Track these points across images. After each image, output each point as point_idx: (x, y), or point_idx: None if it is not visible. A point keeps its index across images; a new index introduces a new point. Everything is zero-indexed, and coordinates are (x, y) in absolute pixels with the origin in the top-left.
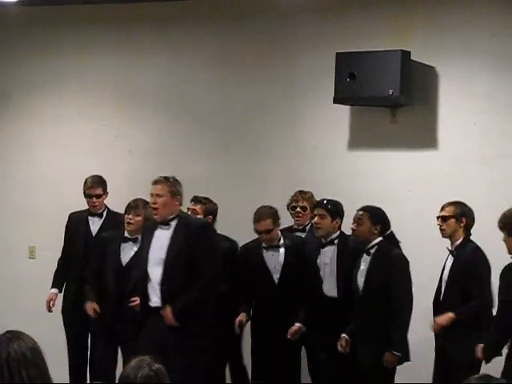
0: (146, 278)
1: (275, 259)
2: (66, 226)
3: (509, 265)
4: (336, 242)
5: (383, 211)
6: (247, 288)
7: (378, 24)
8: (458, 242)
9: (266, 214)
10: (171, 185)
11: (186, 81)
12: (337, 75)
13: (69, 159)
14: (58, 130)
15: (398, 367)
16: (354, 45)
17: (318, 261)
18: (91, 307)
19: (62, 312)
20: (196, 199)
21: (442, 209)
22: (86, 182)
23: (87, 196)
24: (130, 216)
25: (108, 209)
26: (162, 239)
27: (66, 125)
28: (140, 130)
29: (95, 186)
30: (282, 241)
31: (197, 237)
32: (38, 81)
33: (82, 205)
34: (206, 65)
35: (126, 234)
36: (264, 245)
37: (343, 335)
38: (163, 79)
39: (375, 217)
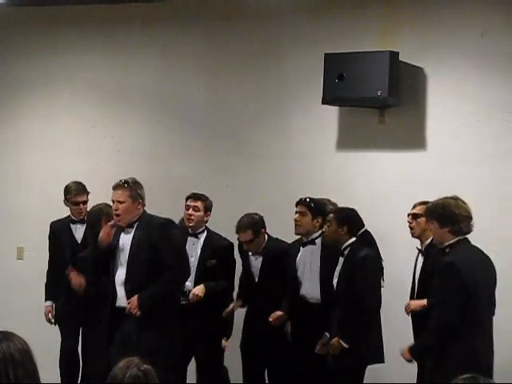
0: (113, 280)
1: (257, 264)
2: (49, 237)
3: (446, 260)
4: (317, 241)
5: (352, 212)
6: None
7: (366, 25)
8: (428, 241)
9: (246, 225)
10: (131, 189)
11: (174, 81)
12: (325, 76)
13: (57, 160)
14: (46, 131)
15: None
16: (343, 46)
17: (297, 260)
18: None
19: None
20: (195, 196)
21: (414, 207)
22: (69, 190)
23: (73, 203)
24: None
25: None
26: (125, 242)
27: (54, 126)
28: (129, 131)
29: (81, 193)
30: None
31: (158, 234)
32: (26, 81)
33: None
34: (194, 65)
35: None
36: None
37: (326, 333)
38: (152, 80)
39: (341, 218)
